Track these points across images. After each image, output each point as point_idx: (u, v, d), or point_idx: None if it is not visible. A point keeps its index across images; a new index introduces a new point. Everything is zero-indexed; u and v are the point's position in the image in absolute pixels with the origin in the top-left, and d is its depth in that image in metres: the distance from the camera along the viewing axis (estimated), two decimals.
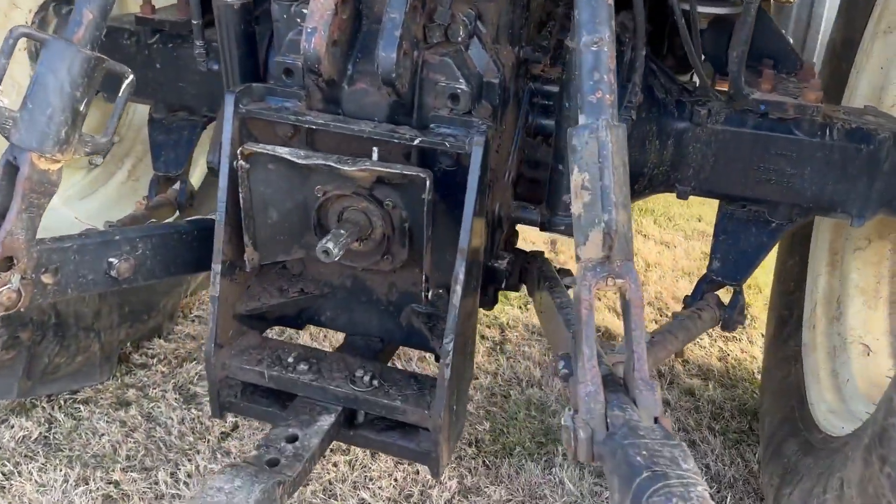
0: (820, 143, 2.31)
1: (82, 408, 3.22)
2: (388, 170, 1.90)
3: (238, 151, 1.97)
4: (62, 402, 3.24)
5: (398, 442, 2.14)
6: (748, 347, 3.90)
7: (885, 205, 2.36)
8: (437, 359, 2.35)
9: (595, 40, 1.56)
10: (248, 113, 2.05)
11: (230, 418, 3.20)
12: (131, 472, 2.91)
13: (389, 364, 2.41)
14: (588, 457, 1.49)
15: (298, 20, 2.06)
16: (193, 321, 3.87)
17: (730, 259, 2.48)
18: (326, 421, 2.10)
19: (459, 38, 2.00)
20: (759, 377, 3.68)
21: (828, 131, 2.32)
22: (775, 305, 3.34)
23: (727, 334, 4.01)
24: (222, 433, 3.13)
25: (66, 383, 3.24)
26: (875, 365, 2.82)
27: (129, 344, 3.54)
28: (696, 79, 2.61)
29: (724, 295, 2.62)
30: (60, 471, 2.88)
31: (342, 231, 1.97)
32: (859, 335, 2.91)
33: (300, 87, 2.08)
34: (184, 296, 3.87)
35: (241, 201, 2.03)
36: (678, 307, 4.22)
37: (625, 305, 1.59)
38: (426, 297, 2.05)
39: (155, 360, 3.55)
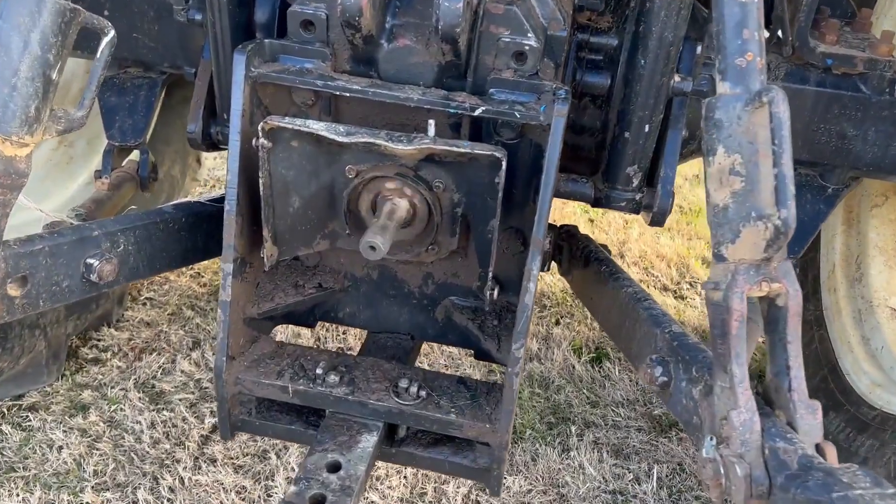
0: (889, 101, 2.11)
1: (31, 416, 2.78)
2: (455, 149, 1.57)
3: (260, 127, 1.59)
4: (6, 411, 2.79)
5: (450, 459, 1.85)
6: None
7: None
8: (478, 356, 2.07)
9: None
10: (260, 77, 1.66)
11: (208, 419, 2.83)
12: (104, 491, 2.52)
13: (424, 365, 2.11)
14: (747, 498, 1.25)
15: None
16: (145, 304, 3.43)
17: None
18: (369, 441, 1.79)
19: None
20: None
21: None
22: None
23: None
24: (202, 437, 2.77)
25: (10, 389, 2.79)
26: None
27: (75, 336, 3.08)
28: None
29: None
30: (17, 495, 2.46)
31: (387, 221, 1.64)
32: (884, 297, 2.80)
33: (323, 43, 1.70)
34: None
35: (260, 187, 1.66)
36: (663, 265, 4.06)
37: (776, 313, 1.34)
38: (491, 296, 1.74)
39: (108, 354, 3.12)
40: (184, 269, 3.64)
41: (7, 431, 2.70)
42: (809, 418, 1.29)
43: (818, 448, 1.29)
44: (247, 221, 1.75)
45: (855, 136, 2.16)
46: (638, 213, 2.02)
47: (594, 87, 1.97)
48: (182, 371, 3.05)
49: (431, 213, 1.73)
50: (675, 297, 3.82)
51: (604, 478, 2.77)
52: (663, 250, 4.11)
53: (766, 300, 1.36)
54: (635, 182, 1.95)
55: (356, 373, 1.85)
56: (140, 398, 2.90)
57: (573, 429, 2.96)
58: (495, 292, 1.75)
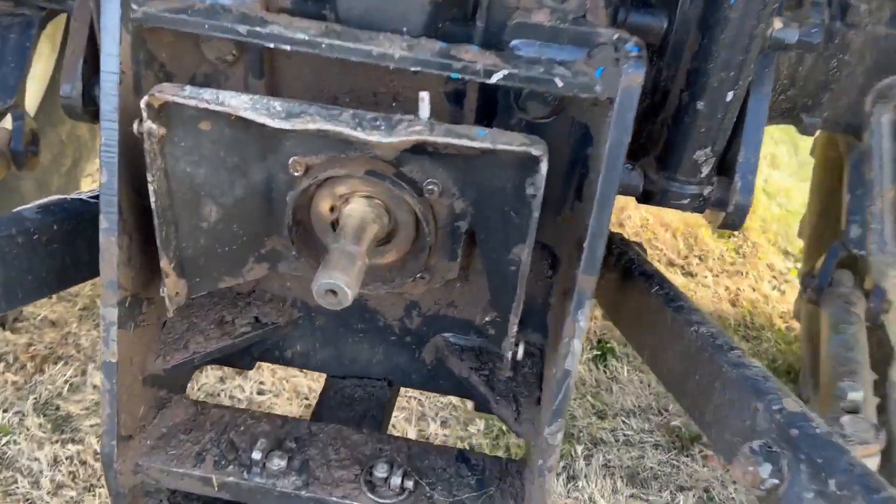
0: None
1: None
2: (466, 142, 0.97)
3: (144, 103, 0.98)
4: None
5: None
6: (758, 284, 3.28)
7: None
8: (480, 407, 1.51)
9: None
10: (148, 18, 1.04)
11: None
12: None
13: (400, 429, 1.55)
14: None
15: None
16: (50, 298, 2.79)
17: None
18: None
19: None
20: (779, 323, 3.08)
21: None
22: (816, 247, 2.67)
23: (730, 268, 3.37)
24: None
25: None
26: None
27: None
28: None
29: None
30: None
31: (354, 246, 1.05)
32: None
33: None
34: None
35: (151, 195, 1.06)
36: (668, 236, 3.54)
37: None
38: (514, 355, 1.18)
39: (1, 365, 2.50)
40: None
41: None
42: None
43: None
44: (138, 242, 1.15)
45: None
46: (703, 211, 1.46)
47: (645, 30, 1.37)
48: (95, 386, 2.45)
49: (420, 228, 1.15)
50: (683, 274, 3.31)
51: None
52: (667, 218, 3.58)
53: None
54: (705, 170, 1.38)
55: (311, 451, 1.29)
56: (40, 425, 2.30)
57: (579, 449, 2.45)
58: (520, 349, 1.18)
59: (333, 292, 1.01)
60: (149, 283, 1.21)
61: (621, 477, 2.39)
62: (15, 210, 1.38)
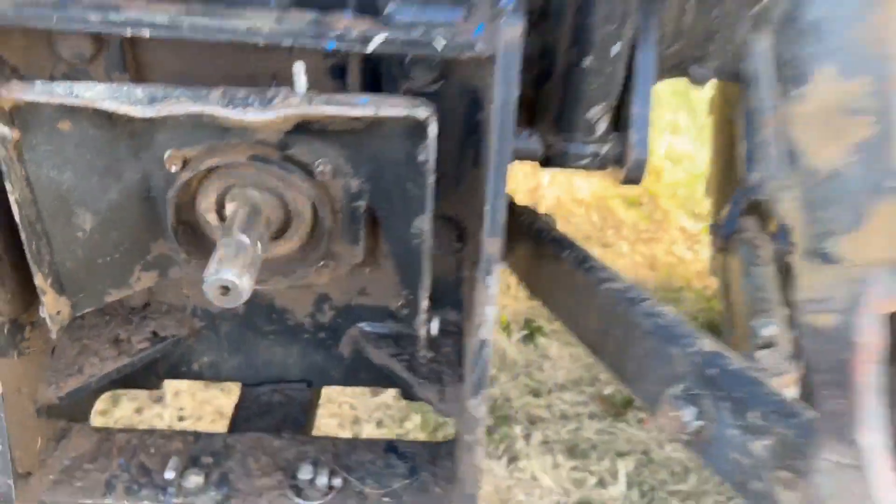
0: None
1: None
2: (345, 111, 0.92)
3: None
4: None
5: None
6: (672, 248, 3.34)
7: None
8: (406, 395, 1.47)
9: None
10: None
11: None
12: None
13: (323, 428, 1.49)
14: None
15: None
16: None
17: None
18: None
19: None
20: (696, 283, 3.14)
21: None
22: (721, 200, 2.73)
23: (644, 236, 3.42)
24: None
25: None
26: None
27: None
28: None
29: None
30: None
31: (243, 238, 0.99)
32: None
33: None
34: None
35: (14, 207, 0.97)
36: (581, 211, 3.56)
37: None
38: (428, 332, 1.14)
39: None
40: None
41: None
42: None
43: None
44: (11, 261, 1.07)
45: None
46: (604, 168, 1.45)
47: None
48: None
49: (317, 213, 1.10)
50: (601, 246, 3.33)
51: (563, 487, 2.27)
52: (579, 194, 3.61)
53: None
54: (601, 128, 1.37)
55: (229, 463, 1.23)
56: None
57: (518, 429, 2.44)
58: (434, 325, 1.15)
59: (226, 288, 0.94)
60: (29, 306, 1.12)
61: (561, 451, 2.39)
62: None
